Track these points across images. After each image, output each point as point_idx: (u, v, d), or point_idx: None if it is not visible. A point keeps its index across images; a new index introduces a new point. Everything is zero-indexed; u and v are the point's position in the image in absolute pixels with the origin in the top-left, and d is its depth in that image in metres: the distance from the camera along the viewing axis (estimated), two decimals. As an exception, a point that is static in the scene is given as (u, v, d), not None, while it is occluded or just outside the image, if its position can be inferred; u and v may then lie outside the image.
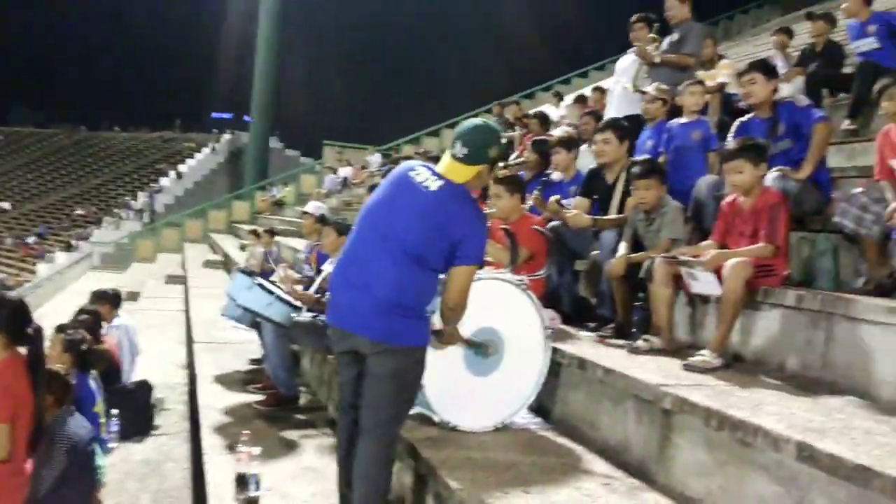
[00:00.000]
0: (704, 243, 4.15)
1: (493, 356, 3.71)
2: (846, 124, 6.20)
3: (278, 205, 21.85)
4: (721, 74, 8.03)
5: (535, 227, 4.68)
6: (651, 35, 6.47)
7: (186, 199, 33.96)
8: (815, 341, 3.53)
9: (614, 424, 3.56)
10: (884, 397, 3.16)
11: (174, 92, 75.19)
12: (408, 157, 12.27)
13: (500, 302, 3.74)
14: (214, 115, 63.25)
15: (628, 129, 5.16)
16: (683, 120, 5.37)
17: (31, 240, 35.85)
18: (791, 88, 7.03)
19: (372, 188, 12.31)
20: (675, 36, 6.44)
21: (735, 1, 24.16)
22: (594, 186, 5.27)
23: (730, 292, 3.63)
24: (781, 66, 7.58)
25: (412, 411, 3.75)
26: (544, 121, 9.00)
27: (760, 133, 4.63)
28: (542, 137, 6.91)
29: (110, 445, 5.51)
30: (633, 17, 6.98)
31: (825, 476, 2.42)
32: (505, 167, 6.79)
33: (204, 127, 51.54)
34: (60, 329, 5.38)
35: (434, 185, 3.04)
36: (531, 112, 12.42)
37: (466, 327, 3.60)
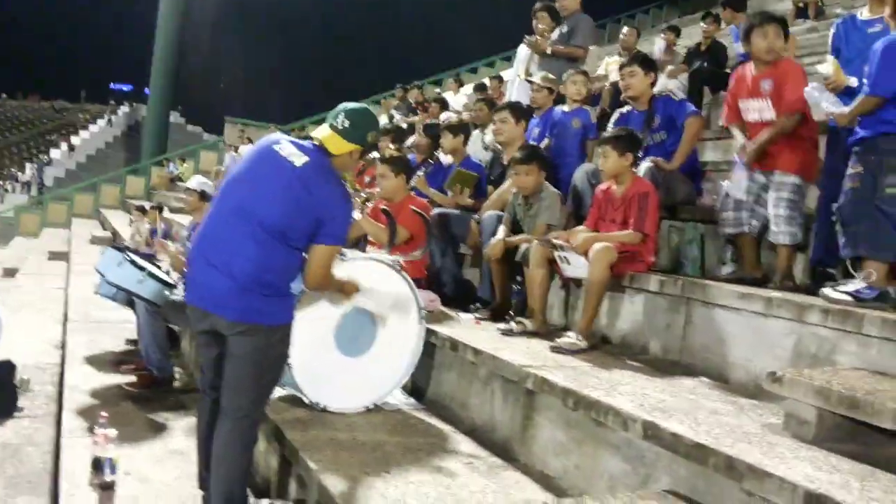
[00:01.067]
0: (577, 228, 4.25)
1: (365, 336, 3.69)
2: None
3: (175, 181, 21.05)
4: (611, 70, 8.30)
5: (414, 208, 4.67)
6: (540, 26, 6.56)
7: (79, 172, 32.27)
8: (675, 325, 3.68)
9: (482, 405, 3.61)
10: (734, 379, 3.32)
11: (73, 59, 71.35)
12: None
13: (374, 282, 3.71)
14: (114, 85, 60.41)
15: (525, 110, 5.23)
16: (566, 108, 5.48)
17: None
18: (675, 84, 7.28)
19: None
20: (564, 28, 6.55)
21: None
22: (494, 170, 5.36)
23: (593, 276, 3.73)
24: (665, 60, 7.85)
25: (282, 392, 3.73)
26: (444, 106, 9.02)
27: (637, 124, 4.77)
28: (433, 122, 6.93)
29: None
30: (537, 5, 7.05)
31: (668, 454, 2.52)
32: (397, 149, 6.78)
33: (102, 98, 49.15)
34: None
35: (299, 160, 2.94)
36: (433, 97, 12.49)
37: (340, 308, 3.58)
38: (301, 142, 3.05)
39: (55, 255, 13.34)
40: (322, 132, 3.03)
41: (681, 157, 4.49)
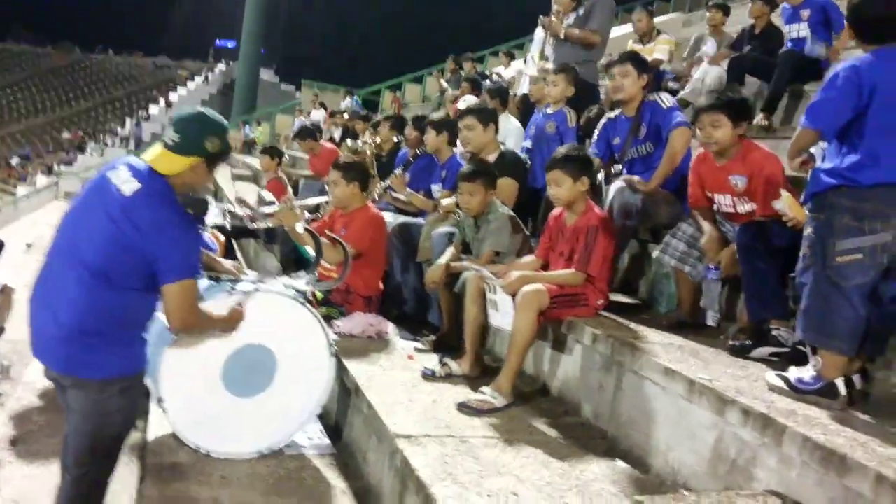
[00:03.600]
0: (522, 260, 3.72)
1: (262, 374, 3.33)
2: (759, 119, 5.65)
3: (250, 144, 21.19)
4: (658, 50, 7.51)
5: (308, 228, 4.18)
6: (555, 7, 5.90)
7: (174, 129, 33.27)
8: (607, 388, 3.14)
9: (377, 462, 3.19)
10: (655, 467, 2.78)
11: (179, 16, 73.55)
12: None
13: (272, 317, 3.32)
14: (218, 42, 61.90)
15: (492, 113, 4.65)
16: (549, 109, 4.87)
17: (14, 161, 35.47)
18: (718, 72, 6.46)
19: (331, 139, 11.85)
20: (581, 10, 5.86)
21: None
22: None
23: (517, 324, 3.23)
24: (710, 48, 6.99)
25: (168, 430, 3.42)
26: (475, 88, 8.39)
27: (623, 133, 4.17)
28: (423, 115, 6.42)
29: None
30: None
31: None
32: (397, 138, 6.35)
33: (205, 55, 50.31)
34: None
35: (129, 187, 2.56)
36: (485, 72, 11.86)
37: (229, 344, 3.23)
38: (139, 165, 2.66)
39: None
40: (151, 153, 2.66)
41: (659, 178, 3.86)
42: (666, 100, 4.03)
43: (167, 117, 34.66)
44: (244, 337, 3.21)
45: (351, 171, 4.40)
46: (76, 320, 2.54)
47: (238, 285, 3.26)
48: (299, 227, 4.33)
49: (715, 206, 3.49)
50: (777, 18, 6.53)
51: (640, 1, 19.24)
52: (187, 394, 3.18)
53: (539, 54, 6.29)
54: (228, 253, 6.79)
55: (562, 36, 5.82)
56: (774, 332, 3.00)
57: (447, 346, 3.99)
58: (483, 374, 3.61)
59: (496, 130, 4.63)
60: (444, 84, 12.45)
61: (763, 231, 3.06)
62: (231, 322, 3.02)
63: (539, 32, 6.50)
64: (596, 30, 5.71)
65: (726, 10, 7.18)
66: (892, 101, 2.40)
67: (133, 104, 40.09)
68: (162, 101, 37.11)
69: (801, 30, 5.96)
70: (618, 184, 3.83)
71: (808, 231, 2.54)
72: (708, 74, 6.57)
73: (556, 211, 3.65)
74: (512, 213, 3.93)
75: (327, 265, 4.44)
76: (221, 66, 41.15)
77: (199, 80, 39.82)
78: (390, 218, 4.81)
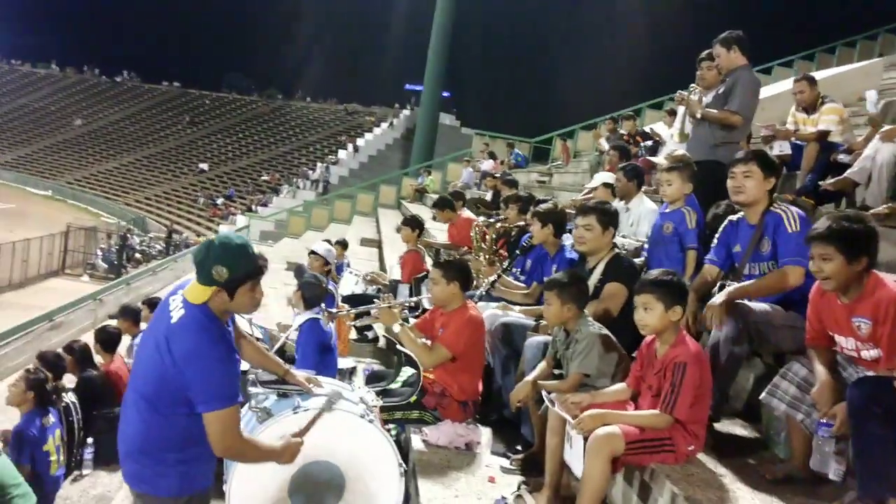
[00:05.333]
0: (610, 389, 3.40)
1: (331, 493, 3.28)
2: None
3: (421, 192, 21.59)
4: (823, 121, 6.79)
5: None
6: (693, 85, 5.49)
7: (360, 172, 35.05)
8: (688, 556, 2.76)
9: None
10: None
11: (370, 64, 78.08)
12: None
13: (340, 434, 3.28)
14: (408, 86, 64.98)
15: (614, 215, 4.32)
16: (667, 209, 4.46)
17: (220, 201, 39.11)
18: (889, 151, 5.68)
19: (494, 193, 11.80)
20: (721, 87, 5.41)
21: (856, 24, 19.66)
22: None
23: (586, 470, 2.93)
24: (871, 102, 6.18)
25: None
26: (623, 155, 8.01)
27: (745, 242, 3.75)
28: (525, 195, 6.18)
29: (84, 473, 5.72)
30: (703, 54, 5.97)
31: None
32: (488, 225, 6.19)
33: (395, 100, 52.62)
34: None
35: (177, 314, 2.70)
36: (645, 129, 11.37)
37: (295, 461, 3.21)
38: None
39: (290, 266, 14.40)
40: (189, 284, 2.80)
41: (745, 291, 3.45)
42: (793, 219, 3.52)
43: (356, 162, 36.72)
44: (311, 454, 3.19)
45: (451, 270, 4.30)
46: (132, 441, 2.74)
47: (306, 402, 3.25)
48: (396, 328, 4.29)
49: (836, 347, 3.01)
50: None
51: (800, 54, 17.72)
52: (255, 511, 3.19)
53: (679, 132, 5.90)
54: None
55: (698, 116, 5.41)
56: (893, 518, 2.49)
57: (536, 466, 3.73)
58: (560, 510, 3.34)
59: (615, 232, 4.29)
60: (604, 143, 12.11)
61: (883, 388, 2.57)
62: (285, 456, 2.98)
63: (681, 108, 6.10)
64: (736, 110, 5.24)
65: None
66: None
67: (324, 149, 42.87)
68: (350, 146, 39.25)
69: None
70: (721, 297, 3.41)
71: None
72: (879, 152, 5.81)
73: (649, 336, 3.31)
74: (605, 332, 3.62)
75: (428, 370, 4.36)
76: (406, 112, 42.91)
77: (384, 125, 41.71)
78: (495, 314, 4.64)
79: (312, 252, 6.51)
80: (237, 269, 2.68)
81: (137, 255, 29.30)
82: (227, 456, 2.83)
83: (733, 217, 3.93)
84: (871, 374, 2.84)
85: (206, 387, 2.60)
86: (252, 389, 3.36)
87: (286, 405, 3.27)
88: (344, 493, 3.29)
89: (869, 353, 2.86)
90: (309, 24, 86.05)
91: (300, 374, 3.42)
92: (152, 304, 7.19)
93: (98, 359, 6.45)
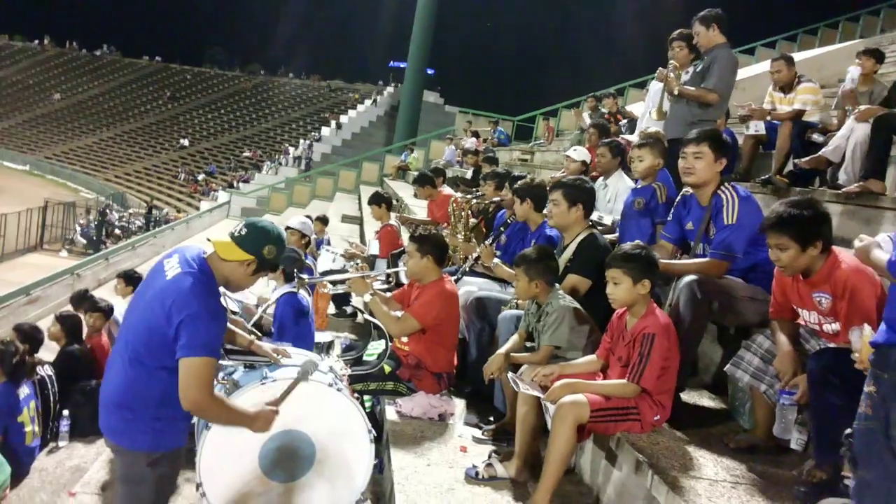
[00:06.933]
0: (580, 360, 3.45)
1: (302, 458, 3.31)
2: (901, 189, 4.96)
3: (403, 170, 21.53)
4: (799, 100, 6.85)
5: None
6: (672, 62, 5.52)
7: (343, 149, 34.80)
8: (650, 520, 2.83)
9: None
10: None
11: (353, 38, 77.21)
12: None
13: (309, 403, 3.29)
14: (392, 63, 64.39)
15: (585, 192, 4.32)
16: (640, 184, 4.50)
17: (201, 177, 38.78)
18: (862, 132, 5.73)
19: (475, 170, 11.87)
20: (699, 65, 5.44)
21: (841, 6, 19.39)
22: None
23: (551, 437, 2.99)
24: (849, 81, 6.25)
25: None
26: (602, 132, 7.99)
27: (697, 222, 3.79)
28: (502, 171, 6.20)
29: (60, 444, 5.71)
30: (674, 34, 6.01)
31: None
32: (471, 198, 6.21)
33: (379, 77, 52.20)
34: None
35: (173, 272, 2.80)
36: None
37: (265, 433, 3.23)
38: (195, 254, 2.91)
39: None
40: (220, 237, 2.93)
41: (675, 272, 3.50)
42: (731, 210, 3.52)
43: (339, 139, 36.47)
44: (281, 423, 3.21)
45: (426, 245, 4.32)
46: (115, 394, 2.82)
47: (274, 373, 3.26)
48: (367, 298, 4.32)
49: (800, 320, 3.07)
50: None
51: (783, 35, 17.73)
52: (225, 479, 3.21)
53: (657, 110, 5.93)
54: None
55: (675, 93, 5.44)
56: (848, 482, 2.56)
57: (508, 435, 3.79)
58: (533, 478, 3.39)
59: (587, 211, 4.26)
60: (586, 119, 12.10)
61: (841, 360, 2.62)
62: (258, 422, 3.02)
63: (656, 84, 6.13)
64: (713, 88, 5.28)
65: (880, 57, 6.40)
66: None
67: (307, 125, 42.53)
68: (333, 123, 38.93)
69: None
70: (687, 278, 3.45)
71: (869, 387, 2.14)
72: (854, 132, 5.87)
73: (619, 309, 3.36)
74: (576, 305, 3.67)
75: (402, 339, 4.40)
76: (390, 89, 42.59)
77: (368, 102, 41.39)
78: (470, 290, 4.67)
79: (288, 228, 6.49)
80: (278, 258, 2.95)
81: (117, 231, 29.04)
82: (194, 410, 2.82)
83: (687, 191, 3.94)
84: (832, 346, 2.90)
85: (192, 333, 2.67)
86: (220, 362, 3.37)
87: (254, 377, 3.27)
88: (315, 462, 3.33)
89: (830, 327, 2.92)
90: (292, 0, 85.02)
91: (267, 346, 3.44)
92: (128, 276, 7.14)
93: (88, 319, 6.42)
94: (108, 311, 6.53)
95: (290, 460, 3.30)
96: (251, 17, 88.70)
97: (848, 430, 2.25)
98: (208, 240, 2.96)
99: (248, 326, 3.78)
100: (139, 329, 2.79)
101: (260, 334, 3.70)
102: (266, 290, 7.03)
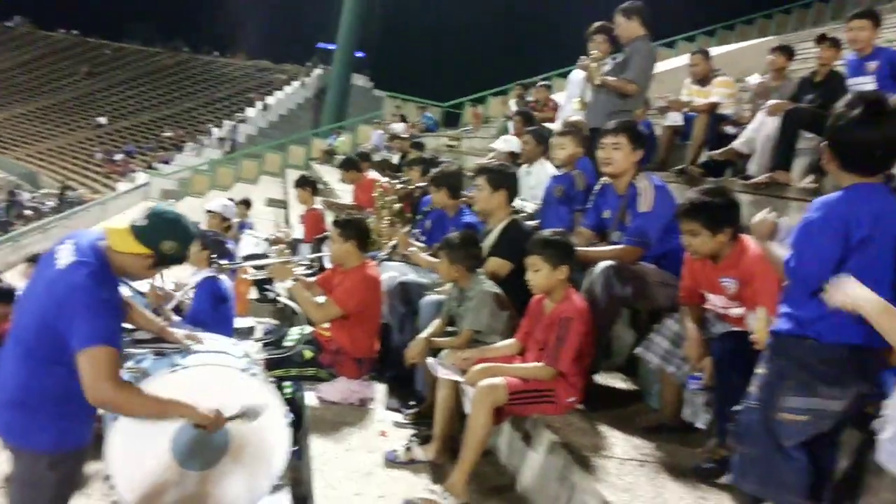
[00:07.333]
0: (499, 344, 3.51)
1: (214, 446, 3.25)
2: (807, 181, 5.19)
3: (330, 154, 21.25)
4: (715, 93, 7.08)
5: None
6: (593, 54, 5.62)
7: (270, 131, 34.09)
8: (561, 499, 2.91)
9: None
10: None
11: (282, 19, 75.57)
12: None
13: (220, 389, 3.22)
14: (321, 45, 63.18)
15: (506, 175, 4.38)
16: (560, 171, 4.59)
17: (118, 157, 37.33)
18: (772, 126, 5.98)
19: (402, 155, 11.79)
20: (619, 56, 5.57)
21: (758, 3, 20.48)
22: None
23: (469, 420, 3.05)
24: (754, 78, 6.52)
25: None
26: (527, 120, 8.10)
27: (614, 210, 3.89)
28: (428, 157, 6.24)
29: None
30: (592, 27, 6.11)
31: None
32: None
33: (308, 57, 51.10)
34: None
35: (65, 261, 2.58)
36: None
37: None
38: (84, 243, 2.66)
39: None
40: (115, 223, 2.72)
41: (591, 259, 3.58)
42: (647, 199, 3.65)
43: (265, 120, 35.71)
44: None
45: (348, 229, 4.29)
46: (11, 391, 2.62)
47: (185, 360, 3.18)
48: (288, 283, 4.28)
49: (707, 305, 3.19)
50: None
51: (702, 30, 18.36)
52: (136, 470, 3.13)
53: (579, 101, 6.04)
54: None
55: (596, 83, 5.55)
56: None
57: (428, 419, 3.82)
58: (452, 460, 3.43)
59: (510, 196, 4.31)
60: (513, 105, 12.20)
61: (745, 343, 2.75)
62: (172, 410, 2.92)
63: (579, 73, 6.24)
64: (632, 79, 5.40)
65: (790, 54, 6.67)
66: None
67: (232, 106, 41.42)
68: (259, 104, 38.09)
69: (867, 83, 5.45)
70: (604, 264, 3.54)
71: (760, 369, 2.25)
72: (764, 126, 6.11)
73: (538, 294, 3.43)
74: (497, 290, 3.73)
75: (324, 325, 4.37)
76: (318, 71, 41.89)
77: (295, 83, 40.64)
78: (393, 275, 4.68)
79: (209, 211, 6.34)
80: (180, 254, 2.73)
81: (27, 212, 27.76)
82: (100, 404, 2.70)
83: (605, 180, 4.05)
84: (736, 329, 3.04)
85: (85, 324, 2.50)
86: (129, 350, 3.27)
87: (163, 364, 3.18)
88: (230, 448, 3.28)
89: (735, 311, 3.05)
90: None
91: (178, 332, 3.35)
92: (36, 260, 6.84)
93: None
94: (8, 295, 6.24)
95: (204, 447, 3.24)
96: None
97: (736, 408, 2.37)
98: (105, 228, 2.76)
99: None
100: (30, 323, 2.61)
101: (175, 319, 3.62)
102: (185, 274, 6.87)
